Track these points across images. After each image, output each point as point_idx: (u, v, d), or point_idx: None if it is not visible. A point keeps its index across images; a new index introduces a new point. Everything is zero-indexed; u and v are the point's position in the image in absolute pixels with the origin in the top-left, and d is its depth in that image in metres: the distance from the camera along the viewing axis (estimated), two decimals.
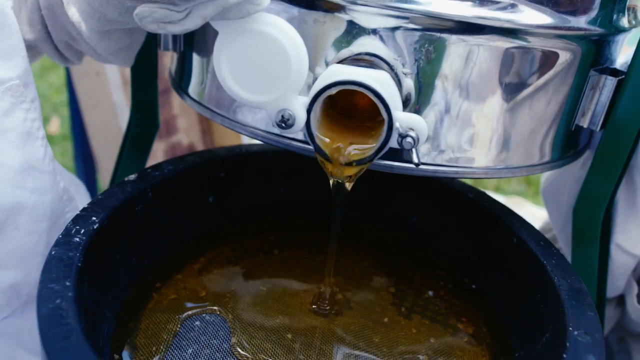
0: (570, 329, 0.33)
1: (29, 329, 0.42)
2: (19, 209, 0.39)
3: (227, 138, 1.00)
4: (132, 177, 0.43)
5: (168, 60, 0.52)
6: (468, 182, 0.49)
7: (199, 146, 1.00)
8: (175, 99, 0.95)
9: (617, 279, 0.51)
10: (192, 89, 0.46)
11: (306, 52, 0.33)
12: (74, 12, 0.38)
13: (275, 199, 0.52)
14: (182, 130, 0.97)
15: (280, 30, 0.32)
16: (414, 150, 0.32)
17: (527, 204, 1.27)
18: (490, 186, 1.66)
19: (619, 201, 0.47)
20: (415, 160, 0.32)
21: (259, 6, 0.32)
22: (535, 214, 1.24)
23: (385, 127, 0.32)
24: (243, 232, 0.50)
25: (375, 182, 0.50)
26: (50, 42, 0.45)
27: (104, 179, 0.94)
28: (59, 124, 1.76)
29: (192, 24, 0.32)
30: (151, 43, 0.48)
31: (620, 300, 0.59)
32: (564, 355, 0.31)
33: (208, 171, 0.48)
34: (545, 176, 0.58)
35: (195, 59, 0.45)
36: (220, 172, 0.49)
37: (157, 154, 0.93)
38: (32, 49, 0.44)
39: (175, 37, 0.47)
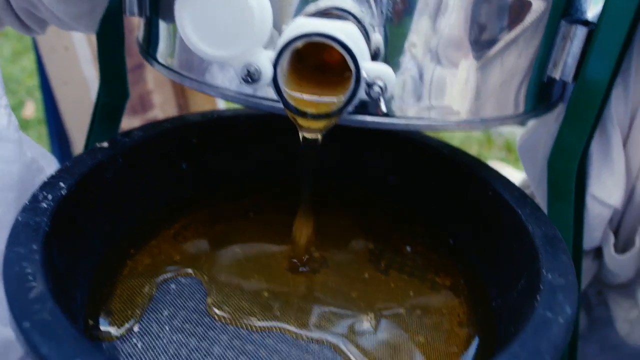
0: (544, 272, 0.33)
1: (2, 299, 0.42)
2: None
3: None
4: (102, 144, 0.42)
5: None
6: (453, 144, 0.49)
7: None
8: (149, 74, 0.94)
9: (594, 230, 0.51)
10: (161, 55, 0.45)
11: (269, 2, 0.32)
12: None
13: (250, 163, 0.51)
14: (157, 106, 0.96)
15: None
16: (381, 99, 0.32)
17: (507, 167, 1.28)
18: (472, 152, 1.66)
19: (593, 153, 0.47)
20: (383, 109, 0.32)
21: None
22: (515, 177, 1.25)
23: (353, 78, 0.32)
24: (218, 197, 0.50)
25: (350, 141, 0.50)
26: (10, 10, 0.43)
27: None
28: (34, 108, 1.73)
29: None
30: (117, 8, 0.47)
31: (598, 252, 0.60)
32: (538, 297, 0.31)
33: (180, 137, 0.47)
34: (521, 133, 0.58)
35: (162, 22, 0.44)
36: (192, 138, 0.48)
37: None
38: None
39: (140, 1, 0.46)
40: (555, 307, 0.30)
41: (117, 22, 0.48)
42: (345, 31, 0.32)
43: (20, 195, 0.41)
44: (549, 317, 0.29)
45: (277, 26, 0.36)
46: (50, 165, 0.51)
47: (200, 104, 0.98)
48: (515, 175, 1.25)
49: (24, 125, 1.58)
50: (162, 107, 0.97)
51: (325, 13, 0.35)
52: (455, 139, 1.75)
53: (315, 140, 0.36)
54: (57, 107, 0.88)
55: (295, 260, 0.43)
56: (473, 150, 1.68)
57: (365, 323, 0.38)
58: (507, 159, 1.65)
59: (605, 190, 0.47)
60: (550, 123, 0.51)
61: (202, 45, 0.33)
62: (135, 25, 0.50)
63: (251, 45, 0.32)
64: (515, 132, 1.75)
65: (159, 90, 0.96)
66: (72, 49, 0.81)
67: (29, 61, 1.97)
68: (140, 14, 0.46)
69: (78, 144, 0.93)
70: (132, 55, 0.83)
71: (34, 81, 1.84)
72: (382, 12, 0.35)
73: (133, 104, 0.92)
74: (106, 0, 0.43)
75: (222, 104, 1.01)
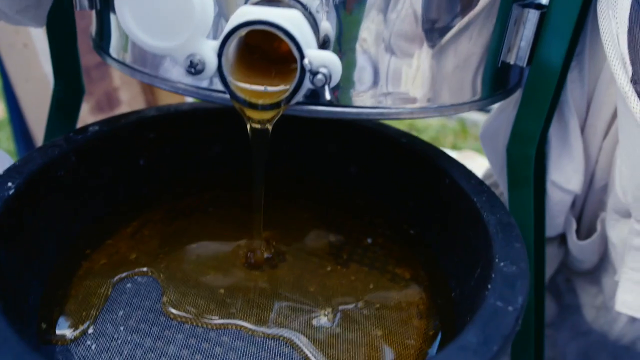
0: (497, 260, 0.33)
1: None
2: None
3: None
4: (54, 141, 0.41)
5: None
6: (425, 137, 0.48)
7: None
8: (115, 71, 0.92)
9: (556, 217, 0.51)
10: (113, 48, 0.44)
11: None
12: None
13: (210, 158, 0.51)
14: (124, 103, 0.94)
15: None
16: (326, 87, 0.31)
17: (479, 157, 1.29)
18: (447, 143, 1.67)
19: (552, 138, 0.47)
20: (327, 97, 0.31)
21: None
22: (486, 166, 1.26)
23: (298, 66, 0.31)
24: (177, 193, 0.49)
25: (308, 132, 0.49)
26: None
27: None
28: (3, 109, 1.70)
29: None
30: (67, 2, 0.46)
31: (563, 239, 0.60)
32: (489, 286, 0.31)
33: (137, 132, 0.46)
34: (483, 122, 0.58)
35: (113, 15, 0.43)
36: (150, 133, 0.47)
37: None
38: None
39: None
40: (506, 296, 0.29)
41: (67, 15, 0.47)
42: (288, 18, 0.31)
43: None
44: (499, 306, 0.29)
45: (225, 15, 0.36)
46: (4, 165, 0.49)
47: (168, 99, 0.97)
48: (487, 164, 1.26)
49: None
50: (130, 104, 0.95)
51: (272, 0, 0.35)
52: (430, 129, 1.76)
53: (265, 130, 0.35)
54: (19, 106, 0.86)
55: (252, 256, 0.42)
56: (448, 140, 1.69)
57: (323, 318, 0.38)
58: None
59: (565, 175, 0.47)
60: (509, 110, 0.50)
61: (144, 36, 0.32)
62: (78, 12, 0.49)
63: (193, 35, 0.31)
64: None
65: (126, 87, 0.94)
66: (32, 45, 0.79)
67: None
68: (91, 7, 0.45)
69: (40, 140, 0.91)
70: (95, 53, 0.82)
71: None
72: None
73: (99, 101, 0.91)
74: None
75: (190, 100, 0.99)
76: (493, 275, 0.31)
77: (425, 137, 1.65)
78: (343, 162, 0.50)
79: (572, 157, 0.46)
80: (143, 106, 0.97)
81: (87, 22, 0.49)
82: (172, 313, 0.37)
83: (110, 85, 0.92)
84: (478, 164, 1.25)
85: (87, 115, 0.90)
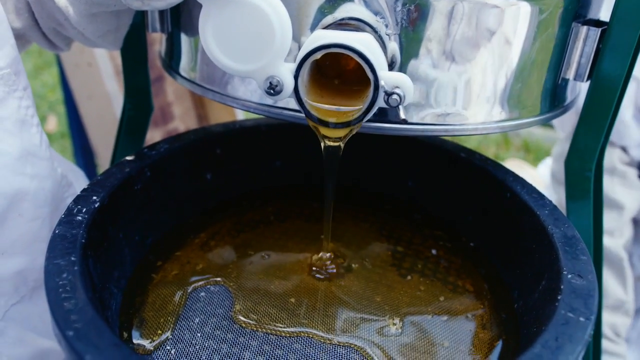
0: (565, 273, 0.33)
1: (39, 313, 0.44)
2: (21, 195, 0.40)
3: (223, 121, 1.00)
4: (129, 157, 0.44)
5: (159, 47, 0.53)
6: (468, 147, 0.49)
7: None
8: (169, 86, 0.96)
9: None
10: (183, 68, 0.47)
11: (289, 18, 0.33)
12: None
13: (272, 172, 0.53)
14: (177, 117, 0.97)
15: None
16: (400, 107, 0.33)
17: (527, 167, 1.28)
18: (490, 154, 1.66)
19: None
20: (402, 116, 0.33)
21: None
22: (535, 178, 1.25)
23: (371, 87, 0.33)
24: (242, 205, 0.51)
25: (371, 148, 0.51)
26: (38, 29, 0.45)
27: (104, 169, 0.95)
28: (56, 122, 1.77)
29: None
30: (140, 26, 0.48)
31: None
32: (559, 297, 0.32)
33: (204, 148, 0.49)
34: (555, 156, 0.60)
35: (183, 37, 0.46)
36: (216, 149, 0.49)
37: (155, 141, 0.93)
38: (20, 38, 0.45)
39: (162, 18, 0.47)
40: (576, 307, 0.30)
41: (140, 38, 0.50)
42: (362, 42, 0.33)
43: (53, 210, 0.43)
44: (571, 318, 0.30)
45: (296, 38, 0.37)
46: (78, 180, 0.52)
47: (219, 114, 1.00)
48: (535, 174, 1.25)
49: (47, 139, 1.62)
50: (182, 118, 0.98)
51: (342, 24, 0.36)
52: (472, 140, 1.75)
53: (337, 147, 0.37)
54: (81, 121, 0.90)
55: (319, 266, 0.44)
56: (490, 151, 1.68)
57: (391, 327, 0.39)
58: (526, 159, 1.65)
59: None
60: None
61: (225, 59, 0.34)
62: (154, 38, 0.52)
63: (273, 58, 0.33)
64: (533, 132, 1.75)
65: (179, 102, 0.98)
66: (95, 64, 0.83)
67: (50, 76, 2.01)
68: (163, 30, 0.48)
69: (102, 156, 0.95)
70: (152, 68, 0.85)
71: (55, 96, 1.88)
72: (397, 21, 0.36)
73: (154, 116, 0.94)
74: (130, 18, 0.45)
75: (241, 114, 1.02)
76: (562, 287, 0.32)
77: (469, 146, 1.65)
78: (402, 175, 0.51)
79: None
80: (195, 120, 1.01)
81: None
82: (245, 321, 0.39)
83: (164, 100, 0.96)
84: (528, 174, 1.25)
85: None
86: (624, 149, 0.76)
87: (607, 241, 0.75)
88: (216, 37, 0.34)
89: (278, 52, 0.33)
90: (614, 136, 0.76)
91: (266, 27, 0.33)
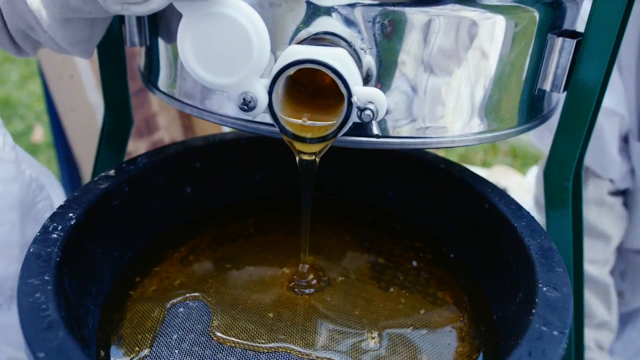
0: (540, 285, 0.34)
1: (14, 324, 0.43)
2: None
3: (208, 132, 1.00)
4: (108, 172, 0.44)
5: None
6: (454, 157, 0.50)
7: None
8: (154, 97, 0.96)
9: (609, 147, 0.64)
10: (162, 82, 0.46)
11: (267, 35, 0.33)
12: (33, 0, 0.37)
13: (252, 185, 0.53)
14: (163, 128, 0.97)
15: (243, 13, 0.32)
16: (373, 122, 0.33)
17: (514, 173, 1.29)
18: (477, 160, 1.67)
19: None
20: (375, 132, 0.33)
21: None
22: (522, 184, 1.26)
23: (345, 102, 0.33)
24: (223, 219, 0.51)
25: (350, 160, 0.51)
26: (5, 31, 0.43)
27: (88, 180, 0.95)
28: (42, 132, 1.76)
29: (156, 4, 0.32)
30: (118, 39, 0.48)
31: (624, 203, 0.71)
32: (533, 311, 0.32)
33: (183, 162, 0.49)
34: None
35: (162, 51, 0.46)
36: (196, 162, 0.49)
37: (140, 152, 0.93)
38: None
39: (140, 31, 0.47)
40: (551, 320, 0.30)
41: (118, 52, 0.49)
42: (336, 57, 0.33)
43: (24, 214, 0.42)
44: (545, 332, 0.30)
45: (272, 52, 0.37)
46: (51, 183, 0.51)
47: (204, 124, 1.00)
48: (522, 182, 1.26)
49: (34, 149, 1.61)
50: (168, 129, 0.98)
51: (317, 39, 0.37)
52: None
53: (312, 161, 0.37)
54: (65, 133, 0.90)
55: (298, 280, 0.44)
56: (478, 157, 1.69)
57: (370, 341, 0.39)
58: (513, 165, 1.66)
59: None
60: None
61: (202, 71, 0.34)
62: (136, 50, 0.51)
63: (249, 73, 0.33)
64: (521, 138, 1.75)
65: (164, 112, 0.97)
66: (77, 76, 0.83)
67: (36, 86, 2.00)
68: (141, 44, 0.48)
69: (86, 167, 0.95)
70: (136, 79, 0.85)
71: (41, 105, 1.87)
72: (372, 35, 0.37)
73: (138, 127, 0.94)
74: (104, 28, 0.44)
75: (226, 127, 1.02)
76: (537, 300, 0.32)
77: (455, 154, 1.65)
78: (382, 188, 0.51)
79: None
80: (180, 130, 1.00)
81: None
82: (223, 338, 0.39)
83: (149, 111, 0.96)
84: (514, 180, 1.26)
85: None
86: (610, 181, 0.79)
87: (594, 270, 0.79)
88: (194, 48, 0.34)
89: (255, 67, 0.33)
90: (601, 170, 0.79)
91: (244, 43, 0.33)
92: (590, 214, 0.78)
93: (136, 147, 0.93)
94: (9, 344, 0.43)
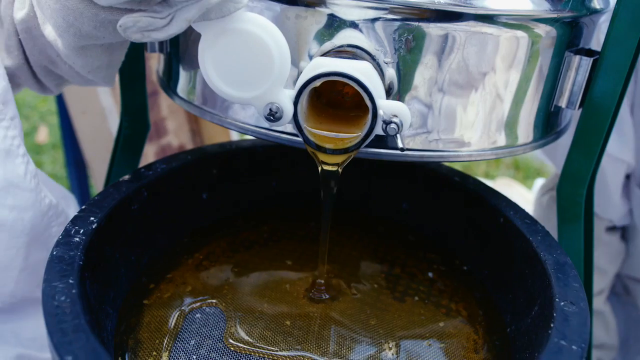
0: (557, 300, 0.34)
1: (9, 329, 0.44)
2: None
3: (216, 137, 1.01)
4: (126, 177, 0.44)
5: (154, 63, 0.53)
6: (457, 167, 0.50)
7: (189, 146, 1.01)
8: (163, 101, 0.96)
9: (613, 193, 0.63)
10: (181, 89, 0.47)
11: (287, 46, 0.34)
12: (49, 31, 0.38)
13: (267, 192, 0.53)
14: (171, 132, 0.98)
15: (261, 26, 0.33)
16: (398, 136, 0.33)
17: (517, 185, 1.29)
18: (480, 172, 1.68)
19: None
20: (400, 145, 0.33)
21: (239, 4, 0.32)
22: (525, 196, 1.26)
23: (370, 115, 0.34)
24: (237, 226, 0.51)
25: (365, 171, 0.51)
26: (28, 68, 0.44)
27: (97, 183, 0.95)
28: (47, 133, 1.76)
29: (176, 28, 0.33)
30: (138, 45, 0.49)
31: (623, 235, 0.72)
32: (552, 325, 0.32)
33: (200, 168, 0.49)
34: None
35: (182, 59, 0.46)
36: (212, 169, 0.50)
37: (148, 156, 0.94)
38: (11, 78, 0.44)
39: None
40: (569, 335, 0.31)
41: (138, 57, 0.50)
42: (361, 70, 0.34)
43: (32, 240, 0.42)
44: (564, 346, 0.30)
45: (295, 64, 0.38)
46: (69, 206, 0.52)
47: (212, 129, 1.00)
48: (525, 194, 1.26)
49: (38, 150, 1.61)
50: (176, 133, 0.99)
51: (341, 51, 0.37)
52: None
53: (335, 172, 0.37)
54: (75, 135, 0.90)
55: (314, 288, 0.44)
56: (481, 169, 1.69)
57: (387, 351, 0.39)
58: (515, 177, 1.66)
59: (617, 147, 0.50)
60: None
61: (226, 88, 0.35)
62: (150, 54, 0.52)
63: (272, 85, 0.34)
64: None
65: (173, 117, 0.98)
66: None
67: None
68: (161, 51, 0.48)
69: (95, 170, 0.95)
70: (147, 83, 0.86)
71: (46, 106, 1.87)
72: (395, 49, 0.37)
73: None
74: (123, 54, 0.44)
75: (234, 131, 1.03)
76: (554, 315, 0.33)
77: (458, 165, 1.66)
78: (397, 199, 0.52)
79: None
80: (188, 134, 1.01)
81: None
82: (239, 345, 0.39)
83: (158, 115, 0.96)
84: (517, 192, 1.26)
85: None
86: (610, 220, 0.79)
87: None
88: (216, 66, 0.34)
89: (277, 79, 0.34)
90: (601, 212, 0.80)
91: (265, 55, 0.33)
92: None
93: (145, 150, 0.93)
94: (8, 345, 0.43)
